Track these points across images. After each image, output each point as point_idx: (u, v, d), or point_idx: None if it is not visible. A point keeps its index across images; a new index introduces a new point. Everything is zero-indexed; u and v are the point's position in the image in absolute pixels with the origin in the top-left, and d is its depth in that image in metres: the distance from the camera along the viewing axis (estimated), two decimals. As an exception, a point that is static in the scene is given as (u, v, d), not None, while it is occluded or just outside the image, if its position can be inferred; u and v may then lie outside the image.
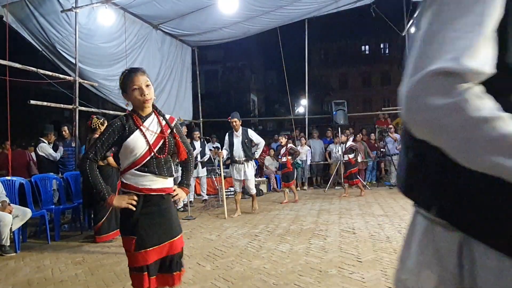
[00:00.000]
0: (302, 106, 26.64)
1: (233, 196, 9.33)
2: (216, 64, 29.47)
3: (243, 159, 6.45)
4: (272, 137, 14.33)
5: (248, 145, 6.50)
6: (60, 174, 6.42)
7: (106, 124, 5.47)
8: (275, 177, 10.67)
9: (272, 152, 11.16)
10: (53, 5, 6.78)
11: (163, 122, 2.20)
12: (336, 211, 6.70)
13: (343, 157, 8.92)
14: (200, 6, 8.71)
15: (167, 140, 2.16)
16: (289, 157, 7.99)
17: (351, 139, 9.06)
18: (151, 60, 9.65)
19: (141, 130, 2.10)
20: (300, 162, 10.66)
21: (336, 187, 10.68)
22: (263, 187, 10.11)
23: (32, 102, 6.12)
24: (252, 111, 29.78)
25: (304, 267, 3.57)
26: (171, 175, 2.21)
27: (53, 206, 5.49)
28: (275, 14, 9.91)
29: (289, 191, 8.34)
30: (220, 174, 9.40)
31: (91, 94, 8.72)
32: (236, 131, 6.51)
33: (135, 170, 2.09)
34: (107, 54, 8.12)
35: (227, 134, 6.68)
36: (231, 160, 6.63)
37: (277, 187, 10.57)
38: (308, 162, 10.77)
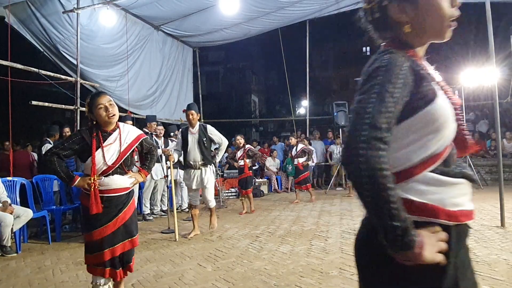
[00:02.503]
0: (303, 107, 26.65)
1: (234, 197, 9.34)
2: (217, 65, 29.51)
3: (200, 163, 5.07)
4: (272, 138, 14.35)
5: (206, 145, 5.12)
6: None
7: None
8: (276, 178, 10.67)
9: (275, 153, 11.17)
10: (55, 6, 6.80)
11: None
12: (337, 212, 6.70)
13: (294, 161, 8.35)
14: (201, 7, 8.73)
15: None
16: (247, 160, 7.07)
17: (301, 144, 8.42)
18: (152, 61, 9.67)
19: (442, 90, 1.06)
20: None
21: (337, 188, 10.69)
22: (264, 188, 10.12)
23: (34, 102, 6.14)
24: (253, 112, 29.79)
25: (305, 268, 3.57)
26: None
27: (54, 207, 5.50)
28: (276, 15, 9.92)
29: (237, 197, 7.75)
30: (222, 175, 9.47)
31: (92, 95, 8.74)
32: (192, 127, 5.13)
33: (431, 172, 1.02)
34: (108, 55, 8.14)
35: (180, 130, 5.34)
36: (184, 164, 5.24)
37: (278, 188, 10.57)
38: (314, 163, 10.76)
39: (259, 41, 20.45)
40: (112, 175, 2.58)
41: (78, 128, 5.22)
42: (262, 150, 11.71)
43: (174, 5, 8.34)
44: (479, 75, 9.56)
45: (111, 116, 2.54)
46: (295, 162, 8.26)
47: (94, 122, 2.58)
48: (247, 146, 7.21)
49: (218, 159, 5.65)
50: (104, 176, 2.55)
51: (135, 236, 2.70)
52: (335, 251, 4.12)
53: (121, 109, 8.87)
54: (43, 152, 6.45)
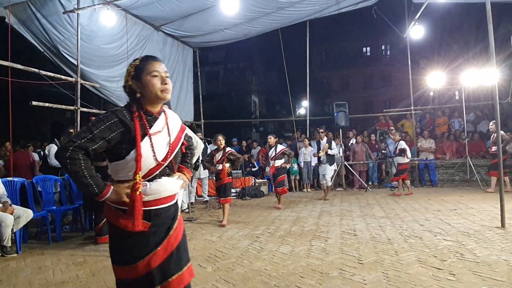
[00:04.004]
0: (303, 107, 26.64)
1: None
2: (218, 65, 29.52)
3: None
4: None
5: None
6: (60, 176, 6.41)
7: None
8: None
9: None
10: (55, 7, 6.79)
11: None
12: (337, 213, 6.69)
13: (271, 162, 7.59)
14: (201, 8, 8.73)
15: None
16: (227, 165, 6.16)
17: (280, 146, 7.77)
18: (153, 62, 9.65)
19: None
20: (293, 166, 10.67)
21: (338, 189, 10.69)
22: (264, 189, 10.12)
23: (34, 103, 6.13)
24: (253, 113, 29.78)
25: (305, 268, 3.56)
26: None
27: (55, 207, 5.50)
28: (276, 16, 9.92)
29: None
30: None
31: (92, 95, 8.74)
32: None
33: None
34: (109, 55, 8.13)
35: None
36: None
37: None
38: (313, 164, 10.77)
39: (260, 41, 20.45)
40: (160, 177, 1.80)
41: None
42: (263, 150, 11.72)
43: (175, 5, 8.34)
44: (480, 76, 9.56)
45: (167, 91, 1.80)
46: (276, 164, 7.51)
47: (139, 95, 1.78)
48: (228, 148, 6.34)
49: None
50: (148, 181, 1.76)
51: (190, 262, 1.90)
52: (335, 251, 4.12)
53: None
54: (46, 151, 6.45)
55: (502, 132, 7.95)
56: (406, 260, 3.68)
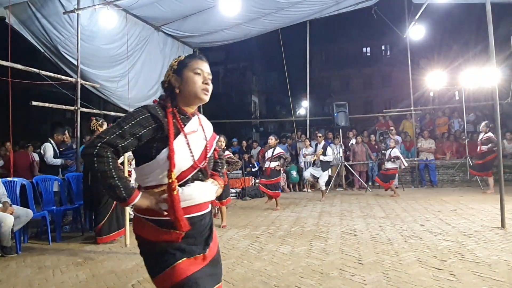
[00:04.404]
0: (303, 107, 26.66)
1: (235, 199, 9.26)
2: (218, 65, 29.49)
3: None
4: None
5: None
6: (60, 175, 6.40)
7: (105, 125, 5.44)
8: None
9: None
10: (55, 7, 6.80)
11: None
12: (337, 213, 6.70)
13: (266, 163, 7.62)
14: (201, 8, 8.74)
15: None
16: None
17: (279, 148, 7.67)
18: (153, 62, 9.67)
19: None
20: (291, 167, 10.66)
21: (338, 189, 10.69)
22: (264, 189, 10.12)
23: (34, 103, 6.13)
24: (253, 113, 29.80)
25: (305, 269, 3.56)
26: None
27: (55, 207, 5.49)
28: (277, 16, 9.93)
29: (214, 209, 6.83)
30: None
31: (92, 95, 8.74)
32: None
33: None
34: (109, 55, 8.14)
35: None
36: None
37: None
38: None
39: (260, 41, 20.45)
40: (193, 182, 1.65)
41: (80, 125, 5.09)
42: (263, 151, 11.73)
43: (175, 5, 8.35)
44: (480, 76, 9.56)
45: (206, 92, 1.69)
46: (266, 165, 7.56)
47: (178, 91, 1.67)
48: (227, 152, 6.26)
49: None
50: (180, 186, 1.59)
51: (221, 282, 1.72)
52: (335, 252, 4.12)
53: (121, 110, 8.89)
54: (41, 150, 6.41)
55: (490, 133, 8.07)
56: (406, 260, 3.68)
